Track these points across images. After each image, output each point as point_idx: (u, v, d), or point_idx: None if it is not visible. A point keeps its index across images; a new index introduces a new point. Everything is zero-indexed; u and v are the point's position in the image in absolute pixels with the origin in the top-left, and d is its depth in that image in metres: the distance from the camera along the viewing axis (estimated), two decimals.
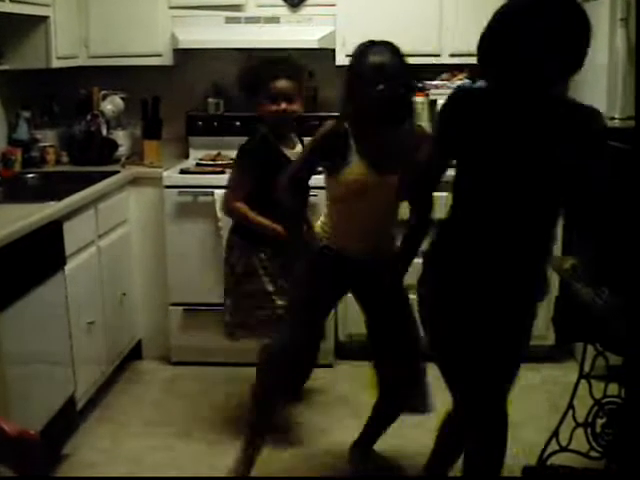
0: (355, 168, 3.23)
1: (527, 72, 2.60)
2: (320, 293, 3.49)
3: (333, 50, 4.99)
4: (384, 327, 3.56)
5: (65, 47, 4.88)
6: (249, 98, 3.98)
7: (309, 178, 3.48)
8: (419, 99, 5.13)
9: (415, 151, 3.10)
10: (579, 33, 2.58)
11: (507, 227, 2.70)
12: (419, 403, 3.58)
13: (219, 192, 4.44)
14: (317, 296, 3.49)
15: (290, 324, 3.53)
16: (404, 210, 3.41)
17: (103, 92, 5.29)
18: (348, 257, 3.40)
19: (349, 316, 4.70)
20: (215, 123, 5.38)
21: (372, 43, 3.23)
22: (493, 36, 2.68)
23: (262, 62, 3.97)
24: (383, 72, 3.13)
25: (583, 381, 3.36)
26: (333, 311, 4.26)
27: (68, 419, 4.02)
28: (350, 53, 4.73)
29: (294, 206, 3.52)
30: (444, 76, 5.13)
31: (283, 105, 3.85)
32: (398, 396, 3.62)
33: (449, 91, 4.93)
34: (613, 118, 4.28)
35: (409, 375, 3.53)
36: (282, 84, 3.85)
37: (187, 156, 5.41)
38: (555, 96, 2.67)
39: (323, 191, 3.53)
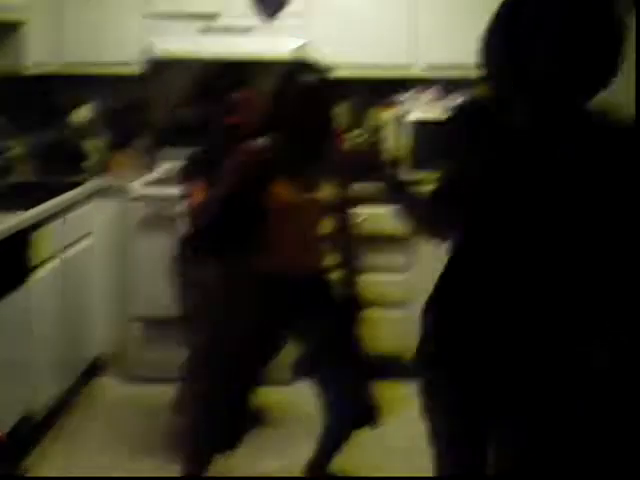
0: (282, 185, 3.24)
1: (547, 80, 2.08)
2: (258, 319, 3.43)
3: None
4: (326, 345, 3.51)
5: (38, 54, 4.85)
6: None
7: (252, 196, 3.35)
8: (390, 113, 5.14)
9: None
10: (609, 24, 2.07)
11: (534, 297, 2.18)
12: (367, 416, 3.55)
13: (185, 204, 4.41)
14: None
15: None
16: None
17: (74, 101, 5.26)
18: (281, 277, 3.37)
19: None
20: (185, 134, 5.34)
21: (302, 65, 3.31)
22: (498, 34, 2.18)
23: (217, 73, 4.00)
24: (313, 94, 3.21)
25: None
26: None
27: (25, 435, 3.99)
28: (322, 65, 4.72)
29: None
30: (416, 89, 5.13)
31: (234, 117, 3.87)
32: (347, 415, 3.57)
33: (419, 105, 5.05)
34: None
35: (356, 391, 3.51)
36: (236, 95, 3.85)
37: (155, 167, 5.37)
38: (589, 112, 2.14)
39: None
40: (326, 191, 3.36)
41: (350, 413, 3.56)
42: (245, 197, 3.32)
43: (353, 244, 3.60)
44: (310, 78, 3.24)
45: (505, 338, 2.19)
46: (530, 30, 2.07)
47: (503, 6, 2.18)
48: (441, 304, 2.35)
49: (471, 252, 2.27)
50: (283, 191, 3.24)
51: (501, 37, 2.15)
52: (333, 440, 3.68)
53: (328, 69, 3.33)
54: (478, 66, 2.24)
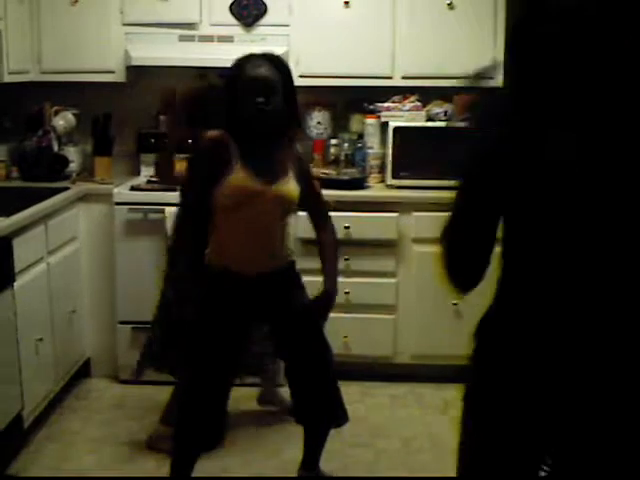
0: (239, 174, 3.22)
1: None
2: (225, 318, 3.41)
3: None
4: (290, 344, 3.53)
5: (17, 62, 4.84)
6: None
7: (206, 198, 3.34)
8: (371, 121, 5.19)
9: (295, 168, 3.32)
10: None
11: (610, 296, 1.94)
12: (337, 415, 3.59)
13: (170, 209, 4.43)
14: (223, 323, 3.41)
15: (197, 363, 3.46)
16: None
17: (55, 108, 5.26)
18: (239, 273, 3.33)
19: None
20: (166, 140, 5.36)
21: (257, 55, 3.27)
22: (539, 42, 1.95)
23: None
24: (264, 86, 3.19)
25: None
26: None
27: (15, 438, 3.98)
28: (304, 73, 4.78)
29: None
30: (395, 98, 5.17)
31: None
32: (316, 413, 3.61)
33: (400, 113, 5.12)
34: None
35: (323, 390, 3.53)
36: None
37: (138, 173, 5.39)
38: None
39: None
40: (287, 185, 3.34)
41: (316, 412, 3.60)
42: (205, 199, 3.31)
43: (332, 245, 3.59)
44: (259, 65, 3.21)
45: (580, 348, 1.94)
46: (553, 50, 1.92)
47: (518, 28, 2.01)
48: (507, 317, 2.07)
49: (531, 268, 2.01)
50: (242, 177, 3.22)
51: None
52: (313, 439, 3.70)
53: (278, 58, 3.32)
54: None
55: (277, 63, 3.27)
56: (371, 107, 5.22)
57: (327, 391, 3.54)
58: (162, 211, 4.70)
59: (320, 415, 3.61)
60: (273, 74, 3.22)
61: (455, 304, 4.74)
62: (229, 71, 3.31)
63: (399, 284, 4.93)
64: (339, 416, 3.58)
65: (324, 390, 3.54)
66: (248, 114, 3.21)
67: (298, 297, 3.52)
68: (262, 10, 5.11)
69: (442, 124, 4.95)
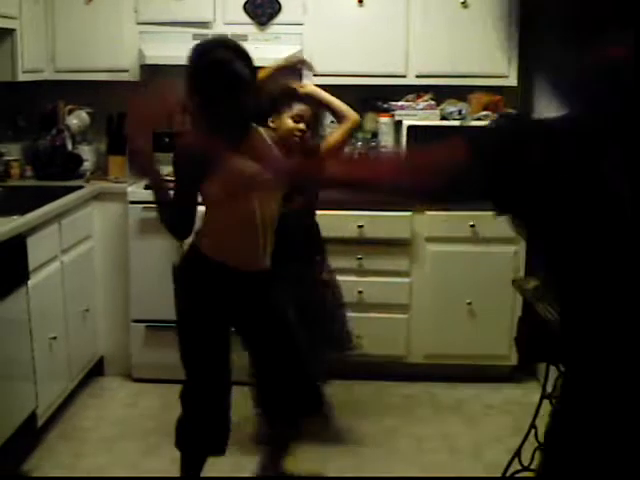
0: (223, 169, 3.18)
1: None
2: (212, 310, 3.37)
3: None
4: (259, 338, 3.48)
5: (31, 61, 4.86)
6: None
7: (195, 197, 3.34)
8: (385, 120, 5.17)
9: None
10: None
11: None
12: (316, 404, 3.56)
13: None
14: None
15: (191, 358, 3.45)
16: None
17: (69, 107, 5.28)
18: (228, 266, 3.28)
19: None
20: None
21: (214, 42, 3.24)
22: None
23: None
24: (238, 83, 3.11)
25: (545, 401, 3.38)
26: None
27: (29, 435, 3.99)
28: (317, 72, 4.76)
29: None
30: (409, 97, 5.15)
31: None
32: (280, 405, 3.57)
33: (414, 112, 5.11)
34: None
35: (287, 383, 3.48)
36: None
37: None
38: None
39: None
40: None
41: (279, 404, 3.57)
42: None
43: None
44: (223, 54, 3.12)
45: None
46: None
47: None
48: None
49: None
50: (226, 172, 3.18)
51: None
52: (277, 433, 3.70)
53: (243, 47, 3.20)
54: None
55: (239, 51, 3.15)
56: (385, 106, 5.21)
57: (292, 384, 3.47)
58: None
59: (285, 407, 3.55)
60: (242, 67, 3.11)
61: (469, 303, 4.74)
62: (193, 61, 3.18)
63: (412, 283, 4.92)
64: (308, 407, 3.55)
65: (289, 383, 3.47)
66: (225, 110, 3.16)
67: (279, 299, 3.48)
68: (276, 9, 5.11)
69: (456, 123, 4.94)
